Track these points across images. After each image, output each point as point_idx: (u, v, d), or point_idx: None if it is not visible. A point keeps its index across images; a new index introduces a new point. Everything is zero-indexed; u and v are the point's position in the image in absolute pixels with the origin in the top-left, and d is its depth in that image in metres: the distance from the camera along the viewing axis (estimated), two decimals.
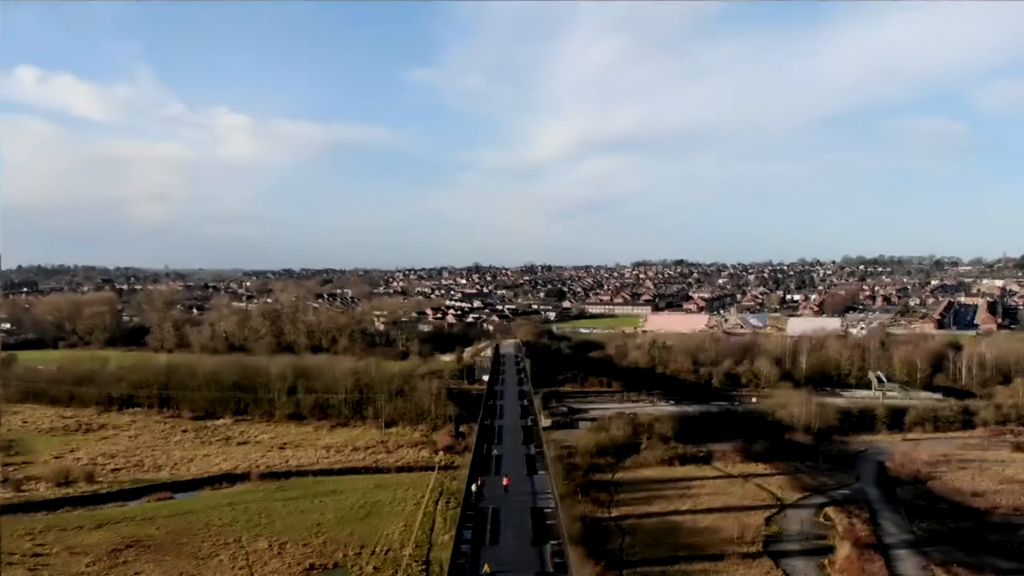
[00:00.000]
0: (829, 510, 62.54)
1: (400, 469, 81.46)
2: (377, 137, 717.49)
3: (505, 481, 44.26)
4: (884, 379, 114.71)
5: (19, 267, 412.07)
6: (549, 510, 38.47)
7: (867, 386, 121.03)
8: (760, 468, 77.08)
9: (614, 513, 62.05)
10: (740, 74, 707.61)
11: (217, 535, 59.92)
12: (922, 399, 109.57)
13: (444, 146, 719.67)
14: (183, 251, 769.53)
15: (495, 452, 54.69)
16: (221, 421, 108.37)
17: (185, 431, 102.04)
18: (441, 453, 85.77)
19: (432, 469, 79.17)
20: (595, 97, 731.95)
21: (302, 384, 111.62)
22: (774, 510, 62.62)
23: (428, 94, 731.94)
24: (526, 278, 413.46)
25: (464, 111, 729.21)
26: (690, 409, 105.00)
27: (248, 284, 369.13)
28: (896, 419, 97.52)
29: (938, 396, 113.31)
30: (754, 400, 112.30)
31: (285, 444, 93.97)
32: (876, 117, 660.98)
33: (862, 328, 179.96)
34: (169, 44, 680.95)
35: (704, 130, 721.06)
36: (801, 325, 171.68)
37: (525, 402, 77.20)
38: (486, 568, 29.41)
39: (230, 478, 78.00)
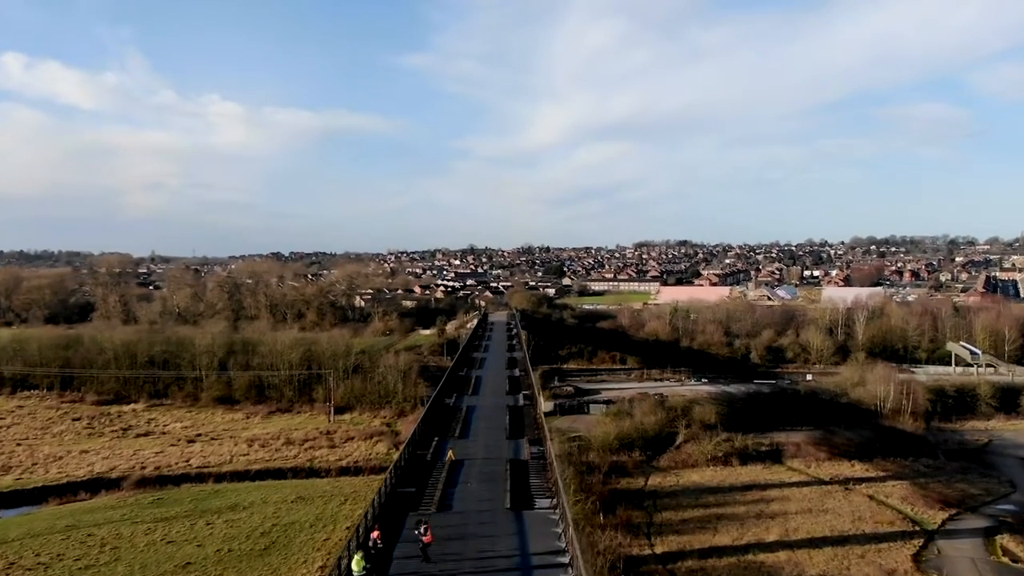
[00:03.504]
0: (1005, 540, 39.10)
1: (343, 471, 58.40)
2: (370, 124, 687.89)
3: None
4: (976, 351, 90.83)
5: (1, 252, 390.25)
6: None
7: (942, 360, 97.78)
8: (857, 469, 53.68)
9: (659, 548, 38.59)
10: (738, 58, 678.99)
11: None
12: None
13: (438, 133, 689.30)
14: (177, 240, 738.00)
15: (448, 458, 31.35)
16: (132, 406, 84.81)
17: (78, 419, 78.74)
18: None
19: (386, 471, 55.72)
20: (591, 82, 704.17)
21: (236, 360, 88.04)
22: (917, 541, 39.16)
23: (421, 80, 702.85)
24: (523, 259, 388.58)
25: (458, 97, 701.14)
26: (731, 389, 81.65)
27: (233, 267, 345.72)
28: (1007, 400, 74.20)
29: None
30: (809, 378, 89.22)
31: (199, 436, 70.59)
32: (875, 103, 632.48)
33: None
34: (159, 30, 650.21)
35: (701, 115, 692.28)
36: (840, 294, 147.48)
37: (516, 372, 53.46)
38: None
39: (94, 486, 54.53)
